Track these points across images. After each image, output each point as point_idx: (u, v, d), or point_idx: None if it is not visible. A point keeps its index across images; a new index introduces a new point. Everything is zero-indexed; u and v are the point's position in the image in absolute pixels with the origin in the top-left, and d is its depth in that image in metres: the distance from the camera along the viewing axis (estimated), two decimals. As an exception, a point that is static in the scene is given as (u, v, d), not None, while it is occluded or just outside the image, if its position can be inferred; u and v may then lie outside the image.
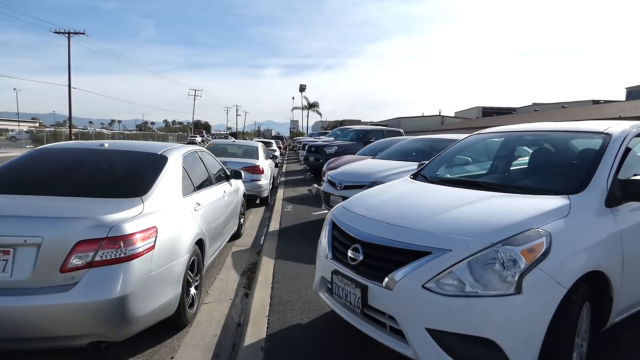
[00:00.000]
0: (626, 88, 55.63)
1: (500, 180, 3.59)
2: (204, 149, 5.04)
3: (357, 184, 6.08)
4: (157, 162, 3.50)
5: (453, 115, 77.90)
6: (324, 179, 10.44)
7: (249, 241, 6.33)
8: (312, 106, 64.69)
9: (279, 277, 4.27)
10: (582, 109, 31.92)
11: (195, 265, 3.48)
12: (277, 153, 21.54)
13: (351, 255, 2.46)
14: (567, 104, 52.06)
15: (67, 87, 37.91)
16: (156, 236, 2.76)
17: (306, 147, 14.79)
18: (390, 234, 2.32)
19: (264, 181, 8.91)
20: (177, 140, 79.60)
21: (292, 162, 22.93)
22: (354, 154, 12.62)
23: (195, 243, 3.48)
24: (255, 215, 8.47)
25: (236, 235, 6.15)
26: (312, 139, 20.03)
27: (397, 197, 3.07)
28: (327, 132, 24.59)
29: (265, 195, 9.12)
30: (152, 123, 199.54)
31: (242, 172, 6.84)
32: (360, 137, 14.17)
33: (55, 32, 37.29)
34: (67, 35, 37.41)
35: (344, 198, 6.11)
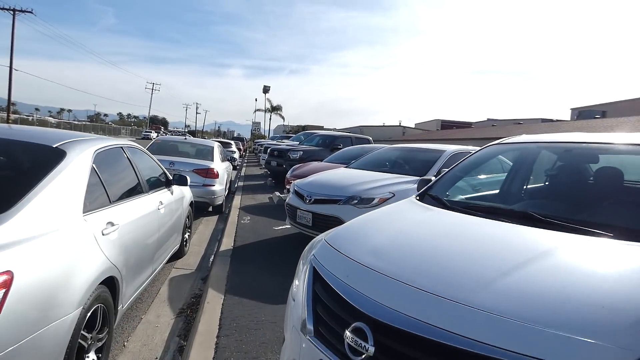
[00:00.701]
0: (571, 108, 58.98)
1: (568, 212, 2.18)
2: (136, 144, 3.82)
3: (330, 197, 5.06)
4: (46, 161, 2.29)
5: (413, 126, 79.32)
6: (289, 188, 9.35)
7: (194, 262, 5.12)
8: (275, 109, 63.33)
9: (227, 325, 3.13)
10: (535, 126, 32.91)
11: (99, 318, 2.30)
12: (237, 155, 20.18)
13: (350, 343, 1.41)
14: (520, 121, 54.27)
15: (8, 68, 34.42)
16: (8, 288, 1.57)
17: (268, 151, 13.63)
18: (432, 314, 1.30)
19: (219, 187, 7.69)
20: (130, 134, 75.31)
21: (252, 166, 21.62)
22: (321, 160, 11.64)
23: (102, 283, 2.30)
24: (206, 226, 7.23)
25: (178, 254, 4.94)
26: (274, 142, 18.87)
27: (417, 233, 1.99)
28: (291, 136, 23.50)
29: (220, 202, 7.90)
30: (106, 115, 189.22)
31: (192, 176, 5.63)
32: (327, 143, 13.22)
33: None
34: (12, 12, 34.01)
35: (315, 215, 5.07)
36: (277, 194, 9.96)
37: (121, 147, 3.31)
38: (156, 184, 4.01)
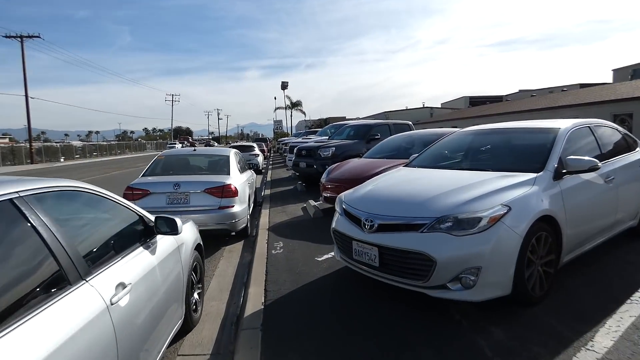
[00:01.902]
0: (613, 70, 54.28)
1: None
2: (86, 186, 2.16)
3: (406, 221, 3.24)
4: None
5: (440, 106, 75.87)
6: (325, 195, 7.59)
7: (210, 337, 3.43)
8: (295, 105, 61.73)
9: None
10: (574, 92, 29.74)
11: None
12: (260, 158, 18.60)
13: None
14: (553, 89, 50.28)
15: (25, 97, 34.33)
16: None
17: (295, 150, 11.91)
18: None
19: (239, 207, 6.01)
20: (156, 148, 75.62)
21: (277, 167, 20.01)
22: (359, 156, 9.81)
23: None
24: (228, 260, 5.57)
25: (185, 327, 3.29)
26: (299, 139, 17.13)
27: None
28: (317, 131, 21.72)
29: (243, 226, 6.22)
30: (132, 132, 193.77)
31: (204, 198, 4.08)
32: (362, 134, 11.35)
33: (6, 37, 33.62)
34: (19, 39, 33.79)
35: (384, 250, 3.29)
36: (312, 202, 8.24)
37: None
38: (129, 240, 2.34)
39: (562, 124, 4.21)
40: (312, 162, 10.61)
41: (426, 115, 61.21)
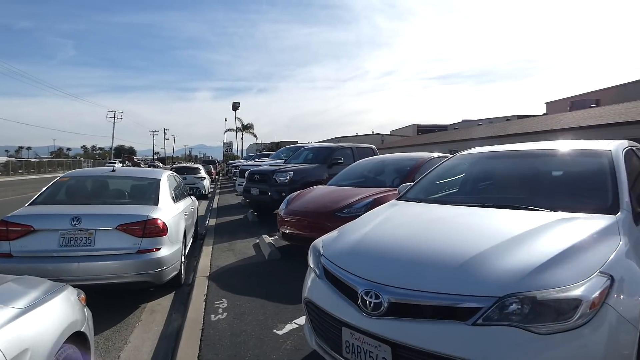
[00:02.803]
0: (545, 102, 58.33)
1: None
2: None
3: (444, 302, 1.88)
4: None
5: (389, 133, 77.50)
6: (283, 231, 6.15)
7: None
8: (246, 128, 59.99)
9: None
10: (529, 120, 30.93)
11: None
12: (206, 182, 16.73)
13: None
14: (494, 119, 52.84)
15: None
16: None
17: (246, 174, 10.36)
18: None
19: (168, 249, 4.39)
20: (93, 166, 69.92)
21: (226, 192, 18.21)
22: (321, 182, 8.51)
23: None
24: (147, 328, 3.89)
25: None
26: (251, 162, 15.56)
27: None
28: (270, 154, 20.25)
29: (171, 276, 4.58)
30: (69, 149, 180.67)
31: (117, 237, 2.99)
32: (323, 158, 10.08)
33: None
34: None
35: (399, 350, 1.91)
36: (266, 238, 6.74)
37: None
38: None
39: (609, 145, 3.14)
40: (266, 189, 9.13)
41: (377, 142, 61.86)
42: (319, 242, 2.88)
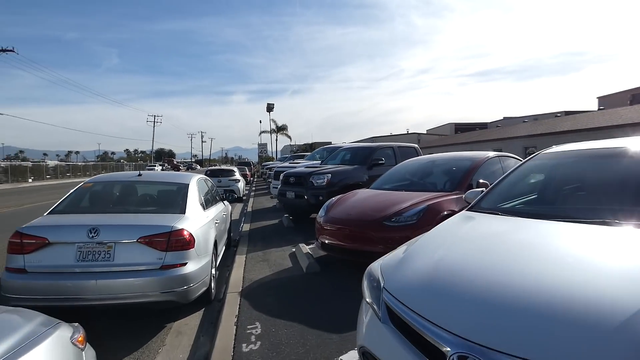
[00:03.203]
0: (597, 97, 54.65)
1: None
2: None
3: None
4: None
5: (425, 132, 75.48)
6: (322, 240, 5.57)
7: None
8: (280, 129, 60.15)
9: None
10: (583, 116, 28.76)
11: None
12: (241, 184, 16.43)
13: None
14: (538, 116, 49.98)
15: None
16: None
17: (281, 177, 9.86)
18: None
19: (196, 264, 3.90)
20: (135, 169, 72.34)
21: (260, 194, 17.89)
22: (361, 185, 7.86)
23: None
24: (171, 355, 3.42)
25: None
26: (286, 163, 15.10)
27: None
28: (305, 155, 19.76)
29: (200, 292, 4.07)
30: (113, 153, 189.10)
31: (137, 250, 3.32)
32: (362, 159, 9.41)
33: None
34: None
35: None
36: (304, 247, 6.17)
37: None
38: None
39: None
40: (302, 192, 8.58)
41: (413, 141, 60.22)
42: (376, 267, 2.24)
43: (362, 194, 5.88)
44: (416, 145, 10.59)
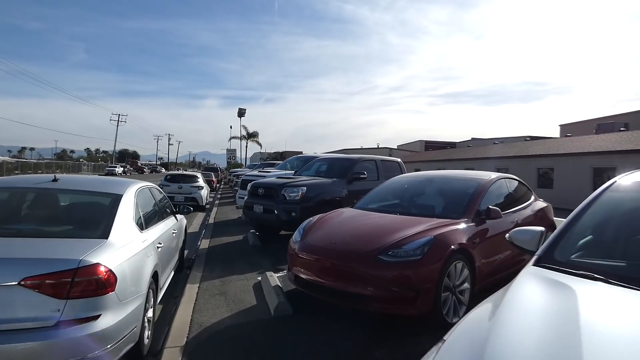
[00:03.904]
0: (560, 125, 56.74)
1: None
2: None
3: None
4: None
5: (396, 147, 76.00)
6: (296, 272, 4.38)
7: None
8: (251, 136, 58.55)
9: None
10: (553, 141, 29.13)
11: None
12: (204, 192, 15.00)
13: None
14: (504, 139, 51.20)
15: None
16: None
17: (248, 187, 8.65)
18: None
19: (116, 316, 2.68)
20: (93, 170, 68.29)
21: (225, 203, 16.51)
22: (339, 202, 6.86)
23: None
24: None
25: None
26: (255, 171, 13.87)
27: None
28: (276, 163, 18.58)
29: (120, 355, 2.84)
30: (72, 151, 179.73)
31: (19, 298, 2.10)
32: (342, 172, 8.38)
33: None
34: None
35: None
36: (272, 277, 5.03)
37: None
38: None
39: None
40: (272, 206, 7.42)
41: (385, 155, 60.02)
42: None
43: (347, 215, 4.82)
44: (400, 160, 9.70)
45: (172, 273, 5.06)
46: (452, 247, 3.72)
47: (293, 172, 10.01)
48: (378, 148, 67.53)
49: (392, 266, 3.56)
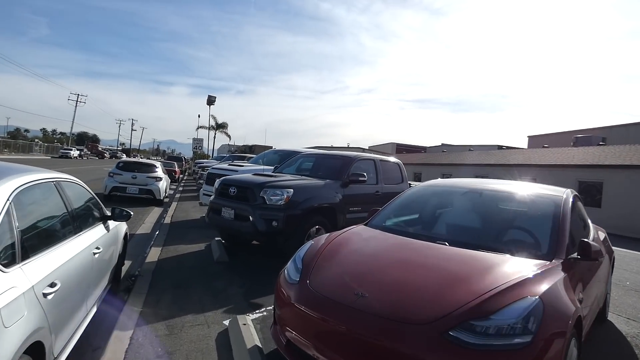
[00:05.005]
0: (528, 136, 57.70)
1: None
2: None
3: None
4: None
5: (367, 148, 75.37)
6: (286, 332, 2.60)
7: None
8: (220, 126, 55.88)
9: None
10: (533, 151, 28.83)
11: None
12: (162, 184, 12.91)
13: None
14: (472, 147, 51.44)
15: None
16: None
17: (217, 184, 6.83)
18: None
19: None
20: (46, 151, 63.05)
21: (187, 198, 14.49)
22: (333, 208, 5.26)
23: None
24: None
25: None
26: (224, 164, 11.97)
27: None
28: (246, 156, 16.67)
29: None
30: (27, 131, 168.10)
31: None
32: (335, 172, 6.74)
33: None
34: None
35: None
36: (246, 327, 3.32)
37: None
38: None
39: None
40: (246, 211, 5.67)
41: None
42: None
43: (372, 240, 3.17)
44: (400, 162, 8.17)
45: (94, 310, 3.26)
46: (570, 320, 2.17)
47: (272, 168, 8.27)
48: (349, 147, 66.33)
49: (479, 355, 1.96)
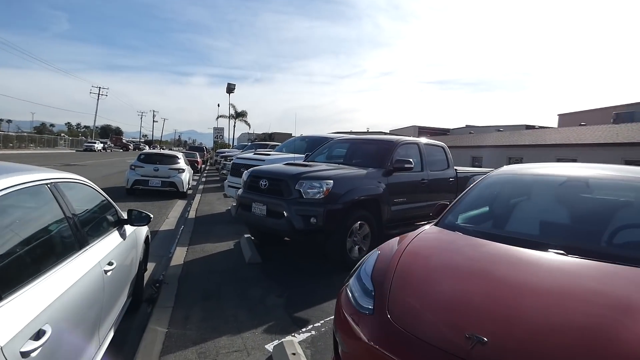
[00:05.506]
0: (558, 114, 54.93)
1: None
2: None
3: None
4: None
5: (388, 132, 73.87)
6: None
7: None
8: (240, 115, 55.41)
9: None
10: (572, 130, 27.22)
11: None
12: (185, 175, 12.36)
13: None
14: (500, 128, 49.32)
15: None
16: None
17: (244, 175, 6.13)
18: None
19: None
20: (71, 145, 64.15)
21: (211, 189, 13.97)
22: (377, 201, 4.49)
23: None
24: None
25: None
26: (249, 154, 11.29)
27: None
28: (269, 144, 15.98)
29: None
30: (52, 125, 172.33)
31: None
32: (377, 159, 5.95)
33: None
34: None
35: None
36: (296, 358, 2.60)
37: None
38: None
39: None
40: (281, 207, 4.97)
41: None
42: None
43: (466, 249, 2.38)
44: (444, 145, 7.31)
45: (110, 336, 2.65)
46: None
47: (303, 157, 7.53)
48: (368, 132, 65.02)
49: None
